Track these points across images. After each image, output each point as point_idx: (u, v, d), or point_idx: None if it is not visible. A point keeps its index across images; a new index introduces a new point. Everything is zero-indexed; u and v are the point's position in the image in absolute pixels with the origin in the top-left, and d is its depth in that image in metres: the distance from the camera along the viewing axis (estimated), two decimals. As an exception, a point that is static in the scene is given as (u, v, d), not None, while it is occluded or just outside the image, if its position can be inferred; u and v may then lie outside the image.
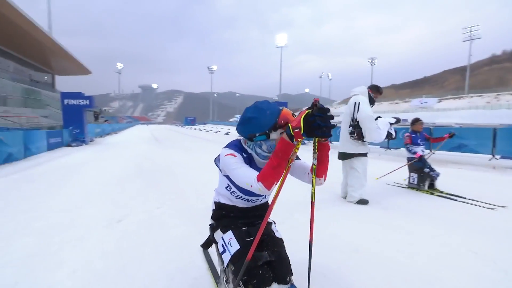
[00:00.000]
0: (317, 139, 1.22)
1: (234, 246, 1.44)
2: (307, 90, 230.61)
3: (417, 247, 2.67)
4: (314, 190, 1.38)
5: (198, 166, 7.67)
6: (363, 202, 4.12)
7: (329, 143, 1.34)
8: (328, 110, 1.10)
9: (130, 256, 2.46)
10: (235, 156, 1.39)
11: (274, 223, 1.71)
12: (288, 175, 1.46)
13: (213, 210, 1.70)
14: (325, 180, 1.44)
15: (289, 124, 1.19)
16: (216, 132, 31.11)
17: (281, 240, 1.59)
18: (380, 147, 12.22)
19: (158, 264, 2.30)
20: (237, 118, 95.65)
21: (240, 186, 1.38)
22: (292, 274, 1.44)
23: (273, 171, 1.23)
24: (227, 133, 28.84)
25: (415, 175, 5.10)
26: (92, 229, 3.09)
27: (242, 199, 1.58)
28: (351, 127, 4.05)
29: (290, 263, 1.48)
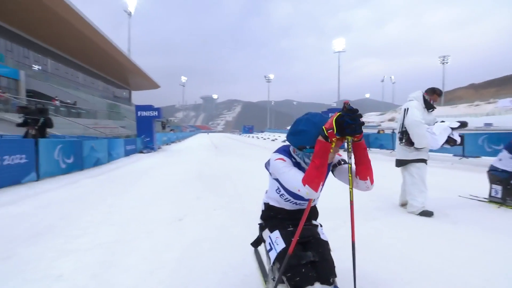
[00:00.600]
0: (349, 138, 1.31)
1: (280, 244, 1.51)
2: (367, 95, 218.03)
3: (497, 268, 2.32)
4: (352, 189, 1.41)
5: (253, 172, 7.90)
6: (426, 213, 3.76)
7: (363, 142, 1.38)
8: (356, 110, 1.22)
9: (189, 251, 2.71)
10: (285, 161, 1.47)
11: (321, 226, 1.74)
12: (337, 181, 1.57)
13: (262, 210, 1.80)
14: (372, 183, 1.44)
15: (323, 127, 1.29)
16: (273, 140, 31.48)
17: (326, 242, 1.61)
18: (454, 155, 10.85)
19: (213, 260, 2.49)
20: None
21: (289, 189, 1.46)
22: (335, 276, 1.44)
23: (317, 171, 1.29)
24: (284, 141, 29.03)
25: (498, 188, 4.32)
26: (158, 225, 3.47)
27: (290, 202, 1.65)
28: (399, 133, 3.98)
29: (335, 265, 1.49)
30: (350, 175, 1.39)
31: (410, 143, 3.85)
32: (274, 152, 1.56)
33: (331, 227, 3.02)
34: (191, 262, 2.47)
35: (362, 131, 1.24)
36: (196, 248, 2.78)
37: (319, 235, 1.64)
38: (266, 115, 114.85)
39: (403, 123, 3.91)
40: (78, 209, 4.14)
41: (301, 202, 1.63)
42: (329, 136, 1.26)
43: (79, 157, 8.14)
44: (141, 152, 15.50)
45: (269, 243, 1.59)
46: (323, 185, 1.39)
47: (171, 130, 34.80)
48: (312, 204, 1.72)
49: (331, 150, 1.32)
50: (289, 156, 1.53)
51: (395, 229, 3.26)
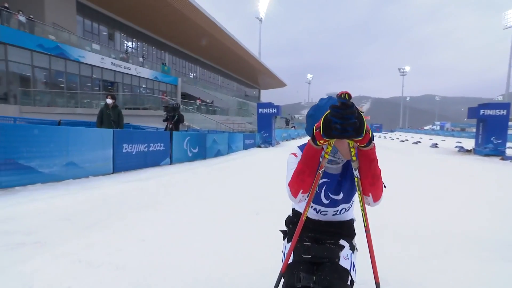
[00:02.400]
0: (350, 143, 1.04)
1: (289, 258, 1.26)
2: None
3: None
4: (364, 211, 1.15)
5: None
6: None
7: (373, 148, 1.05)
8: (349, 105, 0.89)
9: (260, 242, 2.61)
10: (296, 156, 1.26)
11: (352, 249, 1.30)
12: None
13: (288, 216, 1.52)
14: (375, 200, 1.14)
15: (315, 125, 1.02)
16: (402, 141, 27.47)
17: (344, 270, 1.18)
18: None
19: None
20: (433, 125, 79.77)
21: None
22: None
23: (297, 177, 1.13)
24: (416, 143, 24.66)
25: None
26: (231, 216, 3.54)
27: (311, 208, 1.36)
28: None
29: None
30: (359, 193, 1.12)
31: None
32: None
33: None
34: (261, 255, 2.36)
35: (357, 133, 0.91)
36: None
37: (339, 259, 1.21)
38: (399, 113, 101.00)
39: None
40: (183, 191, 4.78)
41: (322, 209, 1.33)
42: (316, 137, 1.01)
43: (203, 148, 9.54)
44: (259, 146, 16.72)
45: (282, 253, 1.39)
46: (311, 195, 1.14)
47: (292, 126, 35.88)
48: (340, 217, 1.36)
49: (326, 156, 1.08)
50: None
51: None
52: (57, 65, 17.52)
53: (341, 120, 0.89)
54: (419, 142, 25.43)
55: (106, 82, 21.05)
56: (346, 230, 1.37)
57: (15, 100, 15.48)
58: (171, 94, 27.79)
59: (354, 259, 1.27)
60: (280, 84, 67.69)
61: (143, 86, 25.10)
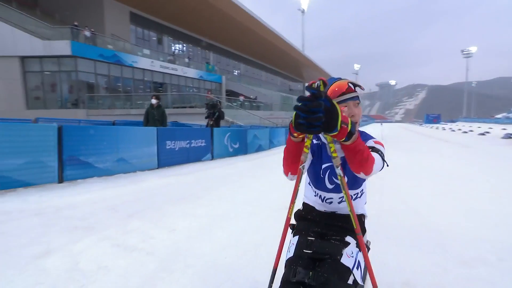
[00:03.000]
0: (328, 138, 1.02)
1: (291, 252, 1.26)
2: None
3: None
4: (352, 212, 1.11)
5: (409, 169, 6.61)
6: None
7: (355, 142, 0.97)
8: (315, 96, 0.80)
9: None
10: None
11: (359, 245, 1.22)
12: None
13: (298, 209, 1.51)
14: (367, 174, 1.07)
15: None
16: (465, 132, 24.59)
17: (345, 269, 1.12)
18: None
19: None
20: (509, 113, 69.41)
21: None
22: None
23: (284, 160, 1.19)
24: (484, 133, 21.72)
25: None
26: (259, 210, 3.59)
27: (316, 196, 1.37)
28: None
29: None
30: (344, 191, 1.08)
31: None
32: None
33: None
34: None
35: (327, 128, 0.83)
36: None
37: (341, 256, 1.16)
38: (462, 100, 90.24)
39: None
40: (220, 185, 4.98)
41: (326, 195, 1.32)
42: (291, 130, 1.01)
43: (243, 143, 9.78)
44: (301, 141, 16.51)
45: (288, 247, 1.35)
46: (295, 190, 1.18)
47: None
48: (345, 209, 1.29)
49: (305, 150, 1.07)
50: (316, 135, 1.33)
51: None
52: (114, 71, 19.45)
53: (306, 114, 0.80)
54: (487, 133, 22.13)
55: (156, 83, 22.71)
56: (352, 224, 1.32)
57: (83, 105, 17.63)
58: (216, 92, 28.83)
59: (361, 258, 1.20)
60: (325, 76, 65.16)
61: (190, 85, 26.47)
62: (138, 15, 24.75)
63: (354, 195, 1.31)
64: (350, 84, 1.24)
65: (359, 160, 1.00)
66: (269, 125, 19.58)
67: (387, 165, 1.20)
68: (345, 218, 1.32)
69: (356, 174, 1.09)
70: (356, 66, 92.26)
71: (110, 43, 19.75)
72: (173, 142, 6.78)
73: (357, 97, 1.22)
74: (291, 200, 1.18)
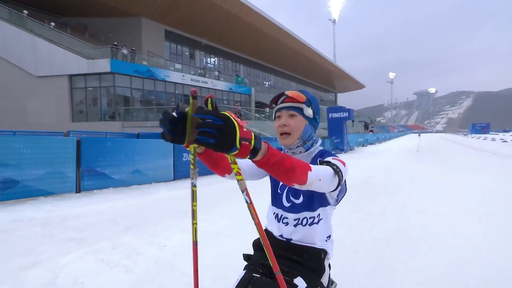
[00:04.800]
0: (230, 158, 0.86)
1: None
2: None
3: None
4: (266, 248, 0.88)
5: (439, 185, 5.98)
6: None
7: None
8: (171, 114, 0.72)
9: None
10: None
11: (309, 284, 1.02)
12: None
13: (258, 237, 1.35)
14: (301, 184, 0.89)
15: None
16: (517, 143, 22.07)
17: None
18: None
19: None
20: None
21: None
22: None
23: None
24: None
25: None
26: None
27: (273, 215, 1.25)
28: None
29: None
30: (254, 222, 0.88)
31: None
32: None
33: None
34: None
35: (222, 148, 0.70)
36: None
37: None
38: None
39: None
40: (229, 198, 4.86)
41: (284, 215, 1.19)
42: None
43: (263, 155, 9.67)
44: (328, 153, 15.94)
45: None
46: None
47: (369, 131, 33.12)
48: (307, 241, 1.16)
49: (191, 166, 0.90)
50: None
51: None
52: (148, 85, 20.63)
53: (168, 130, 0.73)
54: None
55: (187, 96, 23.62)
56: (310, 261, 1.12)
57: (119, 117, 18.85)
58: (245, 103, 29.28)
59: None
60: (358, 86, 63.92)
61: (219, 97, 27.15)
62: (172, 32, 26.29)
63: (310, 218, 1.14)
64: (300, 96, 1.12)
65: (282, 172, 0.84)
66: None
67: (341, 180, 1.00)
68: (301, 249, 1.15)
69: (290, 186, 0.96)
70: (391, 75, 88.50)
71: (145, 59, 21.08)
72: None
73: (296, 109, 1.12)
74: (192, 220, 0.95)
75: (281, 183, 1.22)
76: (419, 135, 55.51)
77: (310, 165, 0.91)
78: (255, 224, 0.88)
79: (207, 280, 2.13)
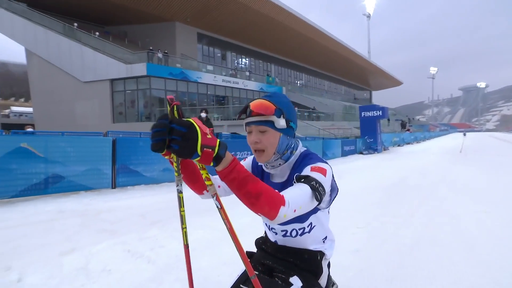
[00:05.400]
0: (198, 164, 0.88)
1: (232, 281, 1.18)
2: None
3: None
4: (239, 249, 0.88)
5: (482, 189, 5.51)
6: None
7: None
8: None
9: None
10: (244, 161, 1.29)
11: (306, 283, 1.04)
12: None
13: (261, 236, 1.40)
14: (271, 219, 0.85)
15: None
16: None
17: None
18: None
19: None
20: None
21: None
22: None
23: None
24: None
25: None
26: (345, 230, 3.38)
27: (265, 224, 1.26)
28: None
29: None
30: (227, 228, 0.88)
31: None
32: None
33: None
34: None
35: (182, 154, 0.72)
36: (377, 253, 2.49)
37: None
38: None
39: None
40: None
41: (272, 226, 1.19)
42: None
43: (291, 155, 9.61)
44: (360, 153, 15.39)
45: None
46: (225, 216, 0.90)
47: (406, 130, 31.29)
48: (300, 244, 1.16)
49: (175, 173, 0.90)
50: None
51: None
52: (181, 87, 21.49)
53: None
54: None
55: (218, 97, 24.21)
56: (305, 263, 1.13)
57: (155, 118, 19.89)
58: (275, 103, 29.29)
59: None
60: (394, 83, 60.70)
61: (250, 97, 27.42)
62: (204, 34, 27.15)
63: (299, 229, 1.12)
64: (267, 109, 0.98)
65: (243, 194, 0.83)
66: (327, 136, 18.84)
67: (322, 195, 0.93)
68: (295, 252, 1.16)
69: (262, 217, 0.87)
70: (433, 70, 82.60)
71: (178, 62, 22.01)
72: (217, 153, 7.07)
73: (266, 124, 0.99)
74: (181, 225, 0.98)
75: None
76: (465, 134, 51.09)
77: (285, 197, 0.85)
78: (227, 228, 0.87)
79: (223, 275, 2.21)
